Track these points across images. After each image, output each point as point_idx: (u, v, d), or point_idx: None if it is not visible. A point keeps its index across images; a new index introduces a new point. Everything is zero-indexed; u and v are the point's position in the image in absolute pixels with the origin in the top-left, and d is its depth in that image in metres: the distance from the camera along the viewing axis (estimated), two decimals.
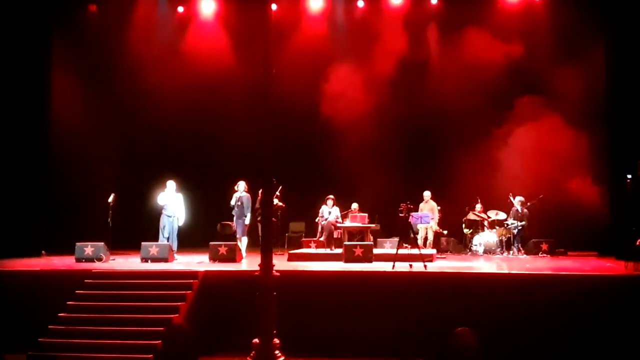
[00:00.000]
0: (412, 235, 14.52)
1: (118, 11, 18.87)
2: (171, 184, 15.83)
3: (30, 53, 17.16)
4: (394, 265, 13.24)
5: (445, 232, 17.64)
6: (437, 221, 17.26)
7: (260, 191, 12.70)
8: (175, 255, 15.37)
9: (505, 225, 17.04)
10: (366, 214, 16.54)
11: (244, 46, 18.84)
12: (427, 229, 16.96)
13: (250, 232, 16.03)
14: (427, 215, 16.60)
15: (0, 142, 16.82)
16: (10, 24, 16.88)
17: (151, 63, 18.78)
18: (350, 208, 16.79)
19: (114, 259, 15.32)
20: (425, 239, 16.98)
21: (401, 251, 13.93)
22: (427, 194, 17.31)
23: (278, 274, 9.36)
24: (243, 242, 15.85)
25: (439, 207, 17.32)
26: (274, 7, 18.16)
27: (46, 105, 17.68)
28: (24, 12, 16.98)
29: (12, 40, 16.92)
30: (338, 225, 16.51)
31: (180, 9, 19.63)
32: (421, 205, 17.18)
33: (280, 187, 15.56)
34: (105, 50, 18.88)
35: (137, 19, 19.12)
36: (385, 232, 18.18)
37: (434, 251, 16.01)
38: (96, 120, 18.72)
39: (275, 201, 16.56)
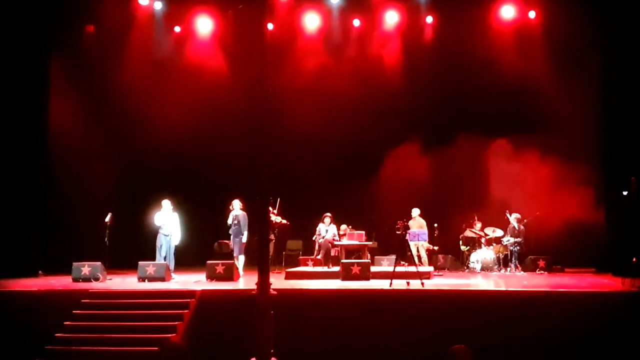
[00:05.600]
0: (409, 253, 14.51)
1: (115, 31, 18.91)
2: (167, 203, 15.82)
3: (28, 73, 17.19)
4: (391, 283, 13.26)
5: (436, 248, 17.48)
6: (426, 238, 17.13)
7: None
8: (172, 274, 15.34)
9: (502, 242, 17.05)
10: (363, 232, 16.52)
11: (240, 65, 18.87)
12: (417, 246, 16.66)
13: (248, 250, 16.04)
14: (423, 233, 16.56)
15: None
16: (9, 45, 16.93)
17: (148, 82, 18.80)
18: (339, 228, 16.77)
19: (110, 279, 15.26)
20: (419, 256, 16.78)
21: (398, 269, 13.92)
22: (415, 211, 17.17)
23: (275, 292, 9.32)
24: (240, 261, 15.85)
25: (435, 225, 17.28)
26: (270, 26, 18.33)
27: (44, 125, 17.68)
28: (22, 33, 17.04)
29: (11, 60, 16.96)
30: (335, 243, 16.51)
31: (177, 28, 19.71)
32: (410, 222, 16.97)
33: (279, 202, 15.51)
34: (103, 70, 18.88)
35: (134, 39, 19.16)
36: (383, 250, 18.16)
37: (431, 268, 15.97)
38: (93, 140, 18.68)
39: (279, 219, 16.66)
